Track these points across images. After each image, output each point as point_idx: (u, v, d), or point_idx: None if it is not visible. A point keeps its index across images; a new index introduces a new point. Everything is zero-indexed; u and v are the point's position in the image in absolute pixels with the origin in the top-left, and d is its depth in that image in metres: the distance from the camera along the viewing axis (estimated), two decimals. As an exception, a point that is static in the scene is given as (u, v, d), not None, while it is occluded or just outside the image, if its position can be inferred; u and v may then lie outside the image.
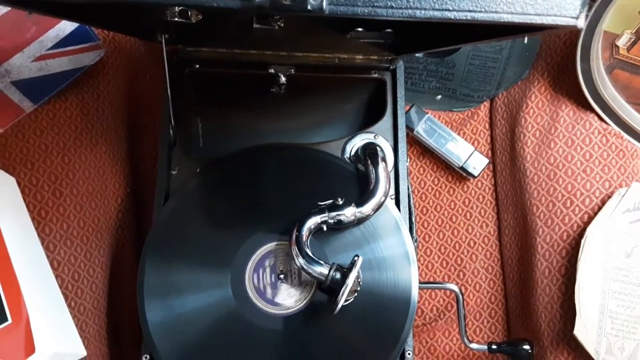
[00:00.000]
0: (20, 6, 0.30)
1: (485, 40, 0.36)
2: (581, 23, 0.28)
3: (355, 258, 0.51)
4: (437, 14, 0.26)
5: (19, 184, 0.59)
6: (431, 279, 0.75)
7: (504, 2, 0.26)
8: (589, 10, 0.57)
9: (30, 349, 0.49)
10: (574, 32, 0.64)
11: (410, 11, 0.26)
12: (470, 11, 0.26)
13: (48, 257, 0.58)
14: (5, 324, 0.50)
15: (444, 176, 0.77)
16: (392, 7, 0.26)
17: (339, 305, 0.49)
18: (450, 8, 0.26)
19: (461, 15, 0.26)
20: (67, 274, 0.59)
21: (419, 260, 0.76)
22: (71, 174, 0.61)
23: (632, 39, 0.60)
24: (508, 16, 0.26)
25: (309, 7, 0.26)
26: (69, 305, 0.58)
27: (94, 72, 0.64)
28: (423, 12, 0.26)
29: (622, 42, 0.61)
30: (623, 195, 0.60)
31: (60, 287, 0.58)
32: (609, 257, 0.59)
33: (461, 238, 0.76)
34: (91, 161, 0.63)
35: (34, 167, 0.59)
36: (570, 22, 0.27)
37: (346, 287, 0.49)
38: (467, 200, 0.76)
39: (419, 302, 0.74)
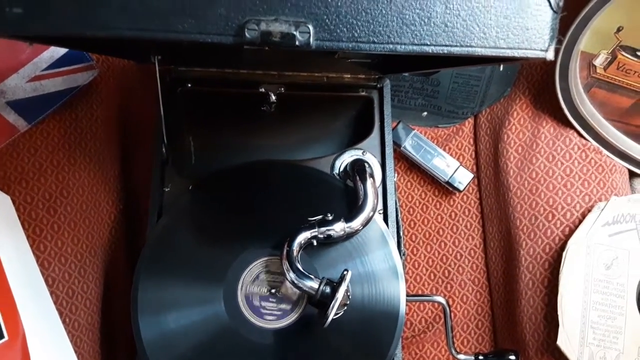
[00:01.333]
0: (24, 40, 0.32)
1: (464, 66, 0.38)
2: (550, 55, 0.30)
3: (345, 272, 0.52)
4: (416, 48, 0.28)
5: (13, 202, 0.59)
6: (419, 292, 0.77)
7: (478, 37, 0.28)
8: (567, 31, 0.60)
9: (26, 365, 0.50)
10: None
11: (391, 46, 0.28)
12: (447, 45, 0.28)
13: (43, 274, 0.58)
14: (2, 340, 0.50)
15: (431, 190, 0.79)
16: (374, 42, 0.28)
17: (329, 319, 0.50)
18: (428, 43, 0.28)
19: (438, 49, 0.28)
20: (61, 291, 0.59)
21: (407, 273, 0.77)
22: (65, 191, 0.62)
23: (609, 59, 0.62)
24: (481, 50, 0.29)
25: (297, 43, 0.27)
26: (63, 322, 0.58)
27: (88, 91, 0.66)
28: (403, 46, 0.28)
29: (599, 62, 0.63)
30: (602, 209, 0.62)
31: (55, 303, 0.58)
32: (589, 269, 0.61)
33: (448, 251, 0.77)
34: (85, 179, 0.64)
35: (28, 185, 0.60)
36: (540, 54, 0.29)
37: (336, 300, 0.50)
38: (453, 214, 0.78)
39: (407, 314, 0.75)
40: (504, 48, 0.29)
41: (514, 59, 0.30)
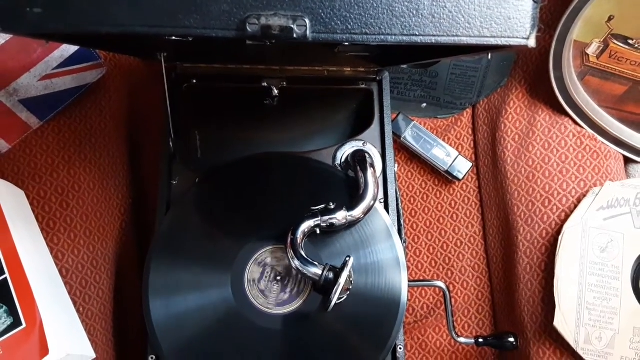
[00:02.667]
0: (44, 39, 0.34)
1: (456, 55, 0.40)
2: (532, 43, 0.32)
3: (347, 259, 0.53)
4: (406, 38, 0.30)
5: (27, 196, 0.61)
6: (421, 278, 0.79)
7: (463, 27, 0.30)
8: (559, 21, 0.62)
9: (44, 351, 0.52)
10: (547, 41, 0.68)
11: (382, 37, 0.30)
12: (434, 35, 0.30)
13: (57, 265, 0.60)
14: (20, 328, 0.53)
15: (431, 180, 0.81)
16: (366, 34, 0.30)
17: (333, 303, 0.52)
18: (417, 33, 0.30)
19: (426, 39, 0.30)
20: (75, 281, 0.62)
21: (409, 261, 0.79)
22: (77, 186, 0.64)
23: (601, 47, 0.64)
24: (467, 39, 0.31)
25: (294, 36, 0.29)
26: (77, 311, 0.60)
27: (97, 89, 0.67)
28: (393, 37, 0.30)
29: (591, 51, 0.65)
30: (597, 194, 0.64)
31: (69, 293, 0.60)
32: (585, 252, 0.62)
33: (448, 238, 0.79)
34: (95, 173, 0.66)
35: (41, 180, 0.62)
36: (522, 42, 0.31)
37: (339, 285, 0.52)
38: (453, 203, 0.80)
39: (409, 300, 0.77)
40: (488, 37, 0.31)
41: (498, 47, 0.32)
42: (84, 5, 0.29)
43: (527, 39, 0.31)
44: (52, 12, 0.29)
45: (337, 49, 0.56)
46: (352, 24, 0.30)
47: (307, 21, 0.30)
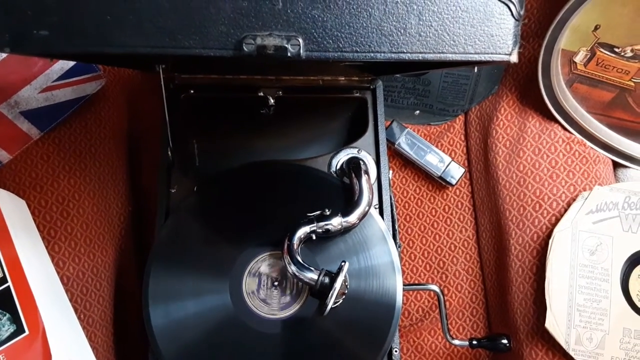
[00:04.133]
0: (49, 57, 0.35)
1: (445, 68, 0.42)
2: (514, 58, 0.33)
3: (342, 264, 0.55)
4: (394, 55, 0.32)
5: (29, 206, 0.62)
6: (416, 282, 0.80)
7: (448, 44, 0.32)
8: (547, 30, 0.63)
9: (47, 357, 0.53)
10: (536, 50, 0.70)
11: (372, 54, 0.31)
12: (421, 52, 0.32)
13: (58, 273, 0.61)
14: (24, 335, 0.54)
15: (425, 185, 0.83)
16: (357, 52, 0.31)
17: (329, 307, 0.53)
18: (405, 51, 0.32)
19: (414, 56, 0.32)
20: (76, 289, 0.63)
21: (404, 265, 0.81)
22: (77, 195, 0.65)
23: (588, 56, 0.66)
24: (452, 55, 0.32)
25: (289, 55, 0.31)
26: (78, 318, 0.61)
27: (96, 100, 0.69)
28: (382, 54, 0.31)
29: (579, 59, 0.67)
30: (586, 198, 0.65)
31: (70, 301, 0.61)
32: (575, 255, 0.64)
33: (442, 242, 0.81)
34: (95, 183, 0.67)
35: (42, 190, 0.63)
36: (504, 58, 0.33)
37: (334, 290, 0.53)
38: (447, 207, 0.82)
39: (405, 304, 0.79)
40: (472, 53, 0.32)
41: (481, 62, 0.33)
42: (88, 27, 0.30)
43: (510, 54, 0.33)
44: (57, 34, 0.31)
45: (331, 60, 0.57)
46: (343, 42, 0.31)
47: (301, 40, 0.31)
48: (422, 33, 0.32)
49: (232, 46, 0.32)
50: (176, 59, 0.48)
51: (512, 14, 0.32)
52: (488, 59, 0.33)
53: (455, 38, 0.32)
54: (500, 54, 0.33)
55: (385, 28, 0.32)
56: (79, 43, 0.31)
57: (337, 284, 0.53)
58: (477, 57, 0.33)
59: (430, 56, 0.32)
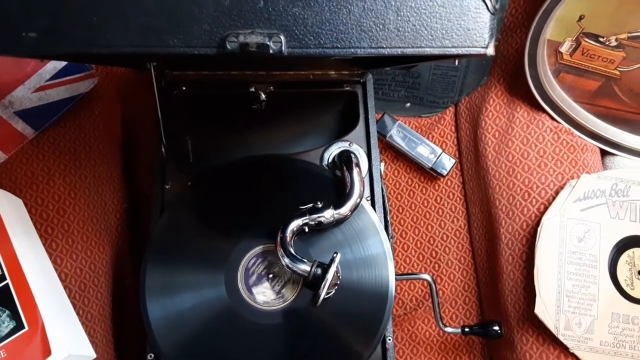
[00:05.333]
0: (39, 58, 0.36)
1: (426, 61, 0.42)
2: (490, 51, 0.34)
3: (334, 255, 0.56)
4: (374, 51, 0.33)
5: (25, 204, 0.63)
6: (409, 272, 0.81)
7: (426, 39, 0.33)
8: (532, 21, 0.64)
9: (46, 352, 0.54)
10: (522, 41, 0.70)
11: (352, 50, 0.32)
12: (400, 47, 0.33)
13: (56, 270, 0.62)
14: (23, 330, 0.55)
15: (417, 177, 0.84)
16: (337, 47, 0.32)
17: (321, 298, 0.54)
18: (384, 46, 0.33)
19: (393, 51, 0.33)
20: (74, 285, 0.64)
21: (397, 256, 0.82)
22: (73, 193, 0.66)
23: (573, 46, 0.67)
24: (430, 49, 0.33)
25: (271, 52, 0.32)
26: (77, 313, 0.62)
27: (89, 98, 0.69)
28: (362, 50, 0.32)
29: (564, 49, 0.67)
30: (574, 186, 0.67)
31: (69, 297, 0.62)
32: (563, 242, 0.65)
33: (435, 233, 0.82)
34: (90, 180, 0.68)
35: (38, 188, 0.64)
36: (481, 51, 0.34)
37: (326, 281, 0.54)
38: (438, 198, 0.83)
39: (398, 293, 0.80)
40: (449, 47, 0.33)
41: (459, 55, 0.34)
42: (75, 28, 0.31)
43: (486, 47, 0.34)
44: (46, 36, 0.31)
45: (312, 56, 0.58)
46: (324, 39, 0.32)
47: (282, 38, 0.32)
48: (400, 28, 0.33)
49: (215, 44, 0.32)
50: (163, 58, 0.49)
51: (487, 8, 0.33)
52: (465, 52, 0.34)
53: (433, 32, 0.33)
54: (477, 47, 0.34)
55: (365, 24, 0.33)
56: (66, 44, 0.32)
57: (329, 275, 0.54)
58: (454, 51, 0.34)
59: (409, 51, 0.33)
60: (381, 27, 0.33)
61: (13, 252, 0.58)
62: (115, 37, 0.32)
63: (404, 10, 0.33)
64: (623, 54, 0.65)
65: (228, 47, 0.32)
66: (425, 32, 0.33)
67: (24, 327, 0.55)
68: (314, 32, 0.32)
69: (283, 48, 0.33)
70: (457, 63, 0.73)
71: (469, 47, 0.34)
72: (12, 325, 0.55)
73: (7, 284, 0.57)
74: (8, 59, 0.59)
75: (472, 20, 0.33)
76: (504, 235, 0.70)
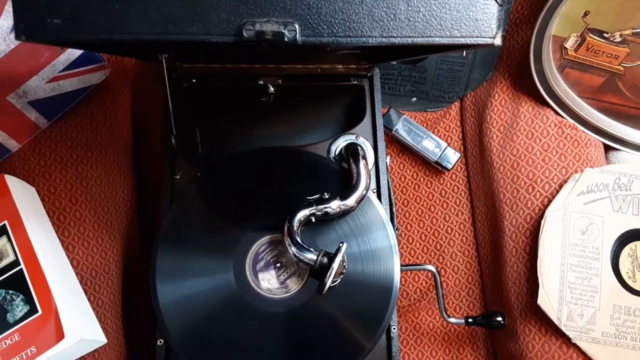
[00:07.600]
0: (59, 45, 0.38)
1: (434, 53, 0.43)
2: (498, 41, 0.35)
3: (340, 244, 0.57)
4: (385, 40, 0.34)
5: (38, 192, 0.65)
6: (414, 263, 0.82)
7: (436, 29, 0.34)
8: (538, 17, 0.65)
9: (60, 335, 0.56)
10: (528, 36, 0.71)
11: (364, 39, 0.34)
12: (410, 37, 0.34)
13: (68, 257, 0.64)
14: (37, 314, 0.56)
15: (422, 170, 0.85)
16: (349, 36, 0.33)
17: (327, 286, 0.56)
18: (395, 35, 0.34)
19: (404, 40, 0.34)
20: (85, 272, 0.65)
21: (402, 248, 0.83)
22: (85, 182, 0.67)
23: (578, 41, 0.67)
24: (439, 39, 0.34)
25: (285, 40, 0.33)
26: (88, 300, 0.63)
27: (101, 89, 0.71)
28: (374, 39, 0.34)
29: (569, 44, 0.68)
30: (577, 180, 0.67)
31: (80, 283, 0.64)
32: (566, 234, 0.66)
33: (439, 226, 0.83)
34: (102, 170, 0.70)
35: (51, 177, 0.65)
36: (489, 41, 0.35)
37: (332, 269, 0.55)
38: (443, 192, 0.84)
39: (403, 285, 0.81)
40: (458, 37, 0.35)
41: (467, 45, 0.35)
42: (98, 16, 0.32)
43: (494, 38, 0.35)
44: (70, 22, 0.33)
45: (328, 47, 0.59)
46: (336, 28, 0.34)
47: (297, 26, 0.34)
48: (410, 18, 0.34)
49: (232, 32, 0.34)
50: (179, 46, 0.50)
51: (495, 0, 0.34)
52: (473, 42, 0.35)
53: (442, 22, 0.34)
54: (484, 37, 0.35)
55: (376, 14, 0.34)
56: (89, 30, 0.33)
57: (335, 264, 0.55)
58: (463, 41, 0.35)
59: (419, 40, 0.34)
60: (392, 16, 0.34)
61: (27, 239, 0.59)
62: (137, 25, 0.33)
63: (415, 1, 0.34)
64: (627, 49, 0.66)
65: (245, 35, 0.33)
66: (435, 22, 0.34)
67: (37, 311, 0.57)
68: (327, 21, 0.34)
69: (297, 36, 0.34)
70: (464, 54, 0.74)
71: (477, 37, 0.35)
72: (26, 309, 0.57)
73: (22, 269, 0.58)
74: (23, 49, 0.60)
75: (480, 11, 0.35)
76: (507, 228, 0.71)
